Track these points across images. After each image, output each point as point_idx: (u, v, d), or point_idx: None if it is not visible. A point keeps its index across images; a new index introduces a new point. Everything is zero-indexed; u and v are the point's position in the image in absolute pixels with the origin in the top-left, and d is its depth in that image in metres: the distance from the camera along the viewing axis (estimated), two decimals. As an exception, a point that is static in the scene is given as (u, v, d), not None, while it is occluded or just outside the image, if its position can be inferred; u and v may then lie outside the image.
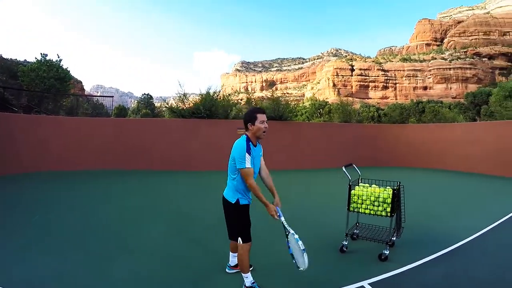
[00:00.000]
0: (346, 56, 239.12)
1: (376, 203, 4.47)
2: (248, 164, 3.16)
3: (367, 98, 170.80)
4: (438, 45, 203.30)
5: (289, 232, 3.26)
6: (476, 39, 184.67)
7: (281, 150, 15.43)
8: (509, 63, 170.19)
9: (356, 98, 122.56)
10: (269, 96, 17.95)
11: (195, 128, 14.41)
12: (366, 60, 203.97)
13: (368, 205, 4.54)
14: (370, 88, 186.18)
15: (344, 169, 4.84)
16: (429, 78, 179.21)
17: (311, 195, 9.42)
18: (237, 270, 3.72)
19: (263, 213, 3.43)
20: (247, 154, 3.17)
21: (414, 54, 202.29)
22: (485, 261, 4.47)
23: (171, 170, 13.62)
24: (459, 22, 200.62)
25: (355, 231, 5.14)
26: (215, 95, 15.39)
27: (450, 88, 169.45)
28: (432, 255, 4.55)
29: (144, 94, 48.38)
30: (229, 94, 15.80)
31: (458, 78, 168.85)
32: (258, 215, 4.08)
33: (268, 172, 3.67)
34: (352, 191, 4.67)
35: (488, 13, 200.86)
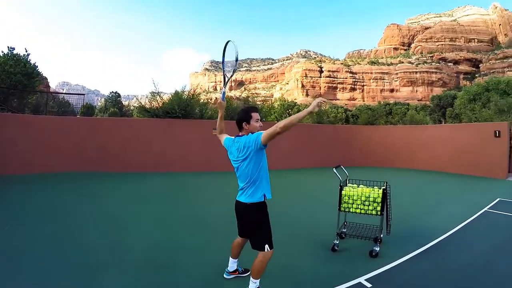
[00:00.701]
0: (315, 57, 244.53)
1: (366, 203, 4.75)
2: (263, 130, 3.08)
3: (335, 100, 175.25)
4: (405, 50, 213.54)
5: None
6: (442, 44, 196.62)
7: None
8: (473, 68, 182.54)
9: (328, 99, 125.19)
10: (238, 96, 18.09)
11: (169, 128, 14.16)
12: (335, 62, 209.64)
13: (358, 204, 4.80)
14: (338, 89, 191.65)
15: (334, 170, 5.08)
16: (396, 81, 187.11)
17: (289, 195, 9.50)
18: (236, 275, 3.73)
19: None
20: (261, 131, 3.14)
21: (382, 58, 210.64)
22: (467, 251, 4.96)
23: (145, 172, 13.31)
24: (426, 28, 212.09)
25: (343, 230, 5.39)
26: (190, 94, 15.23)
27: (416, 91, 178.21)
28: (418, 249, 4.92)
29: (112, 92, 46.98)
30: (198, 94, 15.64)
31: (424, 81, 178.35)
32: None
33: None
34: (343, 192, 4.91)
35: (455, 20, 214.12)
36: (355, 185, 5.15)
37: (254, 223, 3.22)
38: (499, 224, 6.71)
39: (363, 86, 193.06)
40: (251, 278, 3.19)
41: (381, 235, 4.84)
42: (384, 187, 4.80)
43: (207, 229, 5.73)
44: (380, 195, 4.70)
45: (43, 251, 4.40)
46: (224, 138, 3.60)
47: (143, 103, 15.34)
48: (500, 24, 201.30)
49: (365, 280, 3.79)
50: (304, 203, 8.31)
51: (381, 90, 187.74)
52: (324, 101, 2.96)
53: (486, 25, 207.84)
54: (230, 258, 3.69)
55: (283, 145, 16.18)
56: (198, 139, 14.44)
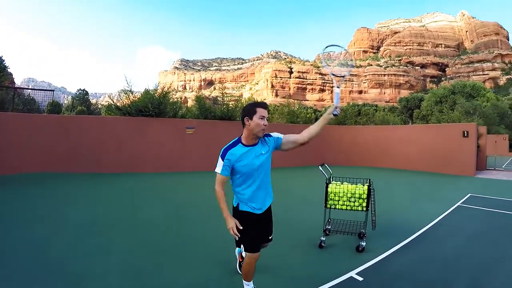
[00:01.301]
0: (285, 58, 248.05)
1: (352, 199, 4.88)
2: (218, 170, 2.91)
3: (304, 100, 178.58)
4: (374, 53, 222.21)
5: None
6: (410, 49, 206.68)
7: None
8: (440, 72, 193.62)
9: (294, 99, 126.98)
10: (207, 96, 17.97)
11: (142, 127, 13.78)
12: (305, 63, 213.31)
13: (344, 201, 4.93)
14: (307, 90, 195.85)
15: (320, 168, 5.19)
16: (365, 83, 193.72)
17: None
18: (240, 261, 3.76)
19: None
20: (219, 159, 2.92)
21: (351, 60, 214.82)
22: (446, 242, 5.30)
23: (118, 172, 12.91)
24: (395, 33, 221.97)
25: (328, 226, 5.50)
26: (164, 92, 14.90)
27: (384, 93, 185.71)
28: (401, 242, 5.17)
29: (80, 89, 45.45)
30: (169, 92, 15.35)
31: (392, 84, 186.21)
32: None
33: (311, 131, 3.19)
34: (329, 189, 5.02)
35: (423, 26, 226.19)
36: (339, 183, 5.27)
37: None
38: (472, 217, 7.24)
39: (332, 87, 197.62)
40: (243, 281, 3.21)
41: (363, 231, 5.01)
42: (368, 184, 4.96)
43: (187, 231, 5.62)
44: (366, 191, 4.86)
45: (17, 260, 4.06)
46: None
47: (115, 101, 14.83)
48: (467, 31, 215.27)
49: (356, 274, 3.90)
50: (284, 202, 8.35)
51: (350, 92, 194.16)
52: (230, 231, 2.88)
53: (453, 32, 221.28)
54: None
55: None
56: (172, 139, 14.25)
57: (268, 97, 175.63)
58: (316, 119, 49.98)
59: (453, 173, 15.61)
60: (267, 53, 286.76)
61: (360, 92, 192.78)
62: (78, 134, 12.90)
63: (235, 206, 3.06)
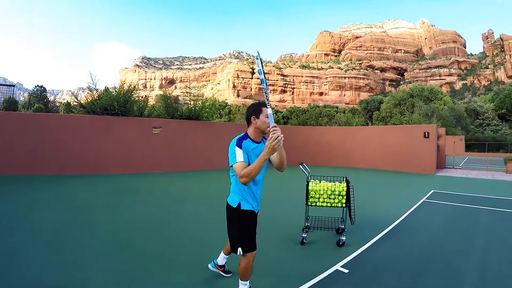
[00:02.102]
0: (248, 59, 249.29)
1: (332, 196, 5.12)
2: (239, 158, 2.81)
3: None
4: (336, 56, 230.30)
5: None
6: (371, 53, 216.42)
7: (199, 150, 15.53)
8: (399, 76, 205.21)
9: (255, 100, 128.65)
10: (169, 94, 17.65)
11: (108, 126, 13.32)
12: (267, 65, 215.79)
13: (325, 198, 5.15)
14: (269, 91, 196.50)
15: (301, 166, 5.38)
16: (326, 85, 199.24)
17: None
18: (221, 271, 3.73)
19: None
20: (237, 148, 2.87)
21: (313, 62, 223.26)
22: (418, 234, 5.80)
23: (84, 174, 12.37)
24: (357, 37, 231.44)
25: (307, 223, 5.70)
26: (130, 89, 14.50)
27: (344, 95, 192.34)
28: (377, 235, 5.55)
29: (37, 86, 43.02)
30: (133, 90, 14.94)
31: (352, 86, 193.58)
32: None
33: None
34: (309, 187, 5.22)
35: (384, 32, 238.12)
36: (317, 181, 5.49)
37: (228, 220, 3.18)
38: (437, 210, 7.93)
39: (294, 88, 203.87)
40: (239, 281, 3.20)
41: (341, 226, 5.32)
42: (347, 182, 5.22)
43: (167, 232, 5.52)
44: (345, 188, 5.10)
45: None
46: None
47: (78, 99, 14.33)
48: (426, 38, 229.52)
49: (341, 267, 4.11)
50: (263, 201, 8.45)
51: (311, 93, 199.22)
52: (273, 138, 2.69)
53: (413, 38, 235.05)
54: (222, 253, 3.72)
55: (221, 144, 16.16)
56: (139, 138, 13.95)
57: (230, 97, 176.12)
58: (277, 119, 50.37)
59: (415, 171, 16.64)
60: (229, 53, 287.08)
61: (321, 93, 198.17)
62: (40, 134, 12.20)
63: (235, 206, 3.04)
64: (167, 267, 4.01)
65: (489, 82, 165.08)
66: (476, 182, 13.88)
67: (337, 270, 4.03)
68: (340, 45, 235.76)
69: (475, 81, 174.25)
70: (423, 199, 9.27)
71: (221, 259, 3.73)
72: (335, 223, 5.74)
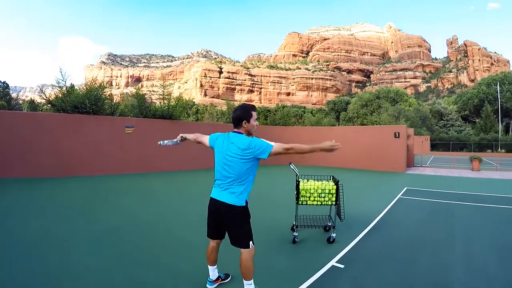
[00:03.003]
0: (215, 58, 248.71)
1: (322, 195, 5.27)
2: (271, 142, 3.15)
3: (233, 101, 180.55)
4: (303, 57, 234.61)
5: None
6: (338, 55, 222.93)
7: (173, 150, 15.35)
8: (365, 78, 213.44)
9: (222, 100, 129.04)
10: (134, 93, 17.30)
11: (78, 126, 12.81)
12: (235, 64, 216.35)
13: (315, 197, 5.30)
14: (236, 91, 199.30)
15: (291, 166, 5.51)
16: (293, 85, 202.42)
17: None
18: (219, 283, 3.62)
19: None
20: (264, 140, 3.17)
21: (281, 63, 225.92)
22: (400, 227, 6.28)
23: (55, 177, 11.72)
24: (325, 39, 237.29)
25: (293, 222, 5.83)
26: (101, 87, 14.10)
27: (311, 96, 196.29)
28: (363, 231, 5.87)
29: None
30: (105, 87, 14.52)
31: (319, 87, 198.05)
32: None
33: None
34: (301, 186, 5.36)
35: (352, 35, 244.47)
36: (305, 180, 5.64)
37: (231, 221, 3.22)
38: (413, 206, 8.52)
39: (261, 88, 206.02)
40: (244, 281, 3.23)
41: (329, 224, 5.56)
42: (336, 180, 5.42)
43: (154, 237, 5.38)
44: (334, 187, 5.28)
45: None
46: (207, 138, 3.65)
47: (47, 95, 13.76)
48: (392, 42, 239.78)
49: (336, 262, 4.28)
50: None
51: (278, 93, 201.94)
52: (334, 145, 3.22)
53: (379, 41, 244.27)
54: (209, 266, 3.56)
55: (196, 146, 16.08)
56: (111, 138, 13.58)
57: (197, 97, 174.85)
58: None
59: (387, 170, 17.31)
60: (197, 51, 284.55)
61: (288, 94, 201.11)
62: (4, 133, 11.50)
63: (244, 204, 3.19)
64: (157, 271, 4.01)
65: (452, 85, 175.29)
66: (445, 179, 14.71)
67: (333, 266, 4.18)
68: (308, 47, 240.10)
69: (439, 84, 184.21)
70: (399, 195, 9.76)
71: (213, 273, 3.58)
72: (322, 221, 5.93)
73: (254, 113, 3.31)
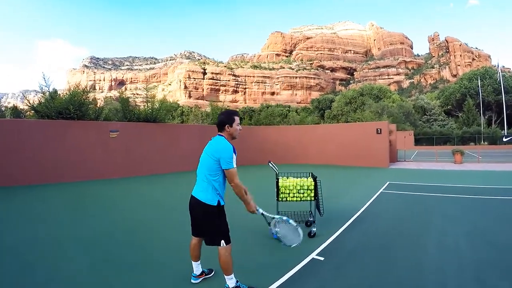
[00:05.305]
0: (199, 59, 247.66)
1: (301, 191, 5.42)
2: (235, 164, 3.37)
3: (218, 101, 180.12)
4: (287, 56, 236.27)
5: (273, 218, 3.83)
6: (321, 53, 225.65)
7: (159, 153, 15.37)
8: (348, 76, 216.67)
9: (207, 101, 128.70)
10: (118, 97, 17.28)
11: (63, 132, 12.70)
12: (219, 65, 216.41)
13: (294, 193, 5.44)
14: (221, 91, 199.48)
15: (270, 164, 5.63)
16: (277, 84, 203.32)
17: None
18: (203, 277, 3.78)
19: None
20: (234, 155, 3.37)
21: (265, 63, 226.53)
22: (381, 220, 6.50)
23: (39, 184, 11.60)
24: (308, 38, 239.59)
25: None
26: (86, 91, 14.02)
27: (296, 94, 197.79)
28: (344, 224, 6.07)
29: None
30: (89, 92, 14.41)
31: (303, 86, 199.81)
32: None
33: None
34: (280, 183, 5.49)
35: (334, 33, 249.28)
36: (285, 177, 5.78)
37: (205, 219, 3.45)
38: (394, 199, 8.74)
39: (245, 88, 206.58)
40: (225, 276, 3.43)
41: (310, 219, 5.69)
42: (314, 177, 5.58)
43: (140, 241, 5.35)
44: (313, 183, 5.43)
45: None
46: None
47: (31, 102, 13.58)
48: (374, 39, 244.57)
49: (316, 255, 4.42)
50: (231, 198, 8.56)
51: (263, 93, 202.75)
52: (255, 211, 3.60)
53: (362, 39, 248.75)
54: (193, 262, 3.76)
55: (182, 145, 16.36)
56: (96, 143, 13.48)
57: (181, 98, 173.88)
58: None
59: (370, 165, 17.64)
60: (180, 53, 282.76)
61: (273, 93, 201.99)
62: None
63: (215, 204, 3.40)
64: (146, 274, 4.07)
65: (435, 81, 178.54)
66: (428, 172, 15.12)
67: (313, 258, 4.33)
68: (291, 46, 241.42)
69: (421, 80, 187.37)
70: (381, 190, 10.02)
71: (196, 268, 3.76)
72: (303, 216, 6.06)
73: (236, 118, 3.59)
